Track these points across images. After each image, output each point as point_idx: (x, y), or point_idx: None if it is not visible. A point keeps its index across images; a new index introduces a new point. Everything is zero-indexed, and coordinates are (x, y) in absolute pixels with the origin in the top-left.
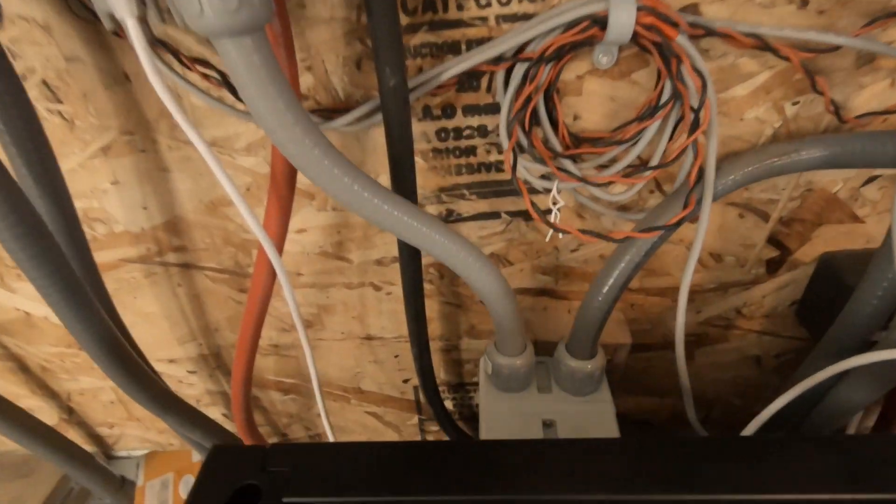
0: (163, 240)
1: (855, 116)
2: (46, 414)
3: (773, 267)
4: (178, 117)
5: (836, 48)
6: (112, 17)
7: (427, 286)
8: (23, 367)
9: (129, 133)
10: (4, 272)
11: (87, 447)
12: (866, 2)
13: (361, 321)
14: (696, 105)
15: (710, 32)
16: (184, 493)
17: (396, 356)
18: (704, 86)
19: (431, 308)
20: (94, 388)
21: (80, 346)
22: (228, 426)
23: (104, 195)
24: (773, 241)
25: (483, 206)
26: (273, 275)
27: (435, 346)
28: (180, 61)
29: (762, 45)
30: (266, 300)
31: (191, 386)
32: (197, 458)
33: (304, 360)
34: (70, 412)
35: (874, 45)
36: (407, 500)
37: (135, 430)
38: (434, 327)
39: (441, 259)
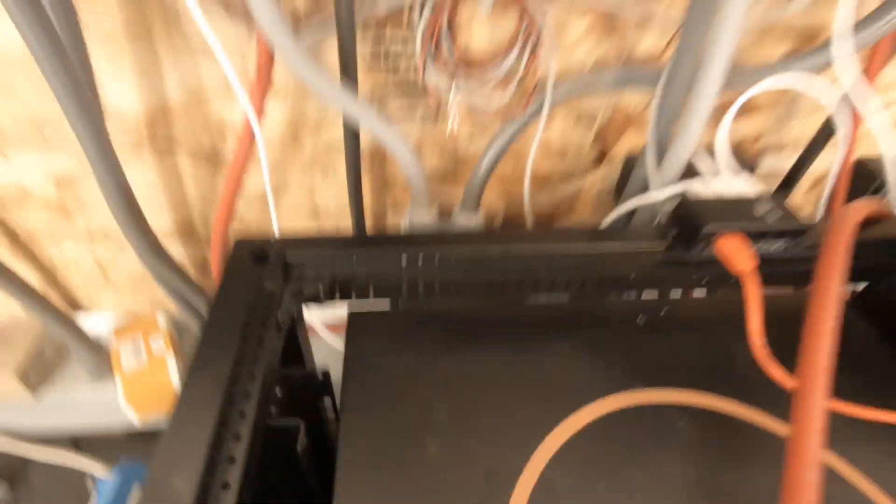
0: (151, 124)
1: (636, 55)
2: (32, 278)
3: (598, 161)
4: (198, 17)
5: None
6: None
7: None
8: (11, 234)
9: (128, 35)
10: (4, 144)
11: (67, 310)
12: None
13: (311, 194)
14: (541, 38)
15: None
16: (154, 348)
17: (337, 227)
18: (541, 24)
19: (366, 186)
20: (76, 255)
21: (104, 193)
22: None
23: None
24: (597, 141)
25: (402, 104)
26: (250, 149)
27: (368, 220)
28: None
29: (580, 8)
30: (243, 168)
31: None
32: (161, 322)
33: (264, 224)
34: (52, 278)
35: (640, 14)
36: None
37: (109, 295)
38: (368, 200)
39: (371, 130)
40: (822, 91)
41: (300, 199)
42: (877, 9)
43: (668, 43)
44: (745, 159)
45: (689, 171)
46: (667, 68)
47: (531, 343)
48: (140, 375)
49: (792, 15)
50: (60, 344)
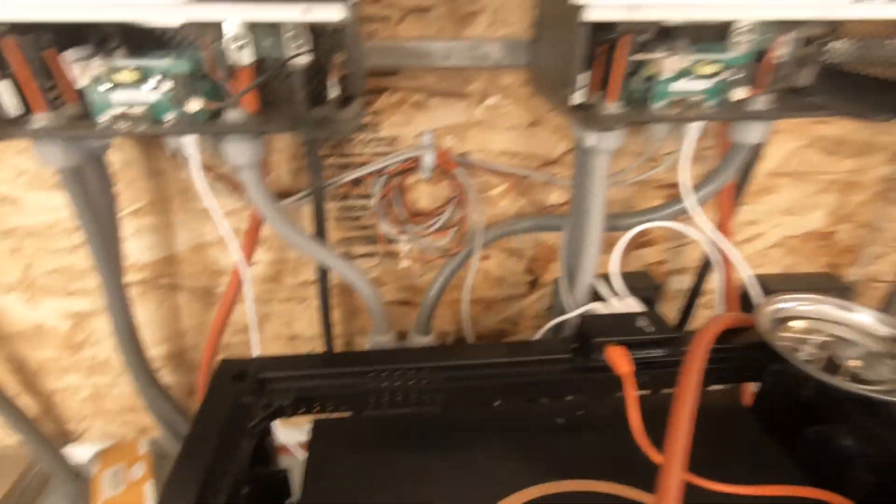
0: (158, 268)
1: (546, 206)
2: (30, 407)
3: (531, 286)
4: (209, 197)
5: (526, 177)
6: (176, 149)
7: (334, 300)
8: (20, 366)
9: (152, 202)
10: (35, 291)
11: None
12: (542, 155)
13: (289, 325)
14: (468, 198)
15: (471, 166)
16: (134, 475)
17: (311, 349)
18: (467, 188)
19: (336, 314)
20: (74, 385)
21: (114, 329)
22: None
23: (125, 241)
24: (528, 271)
25: (366, 249)
26: (239, 287)
27: (338, 342)
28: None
29: (499, 174)
30: (232, 303)
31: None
32: (143, 450)
33: (249, 351)
34: (49, 407)
35: (545, 177)
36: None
37: (99, 424)
38: (339, 327)
39: (338, 271)
40: (686, 230)
41: (280, 328)
42: (712, 172)
43: (568, 200)
44: (655, 281)
45: (595, 295)
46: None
47: (468, 442)
48: (116, 503)
49: (659, 173)
50: (44, 474)
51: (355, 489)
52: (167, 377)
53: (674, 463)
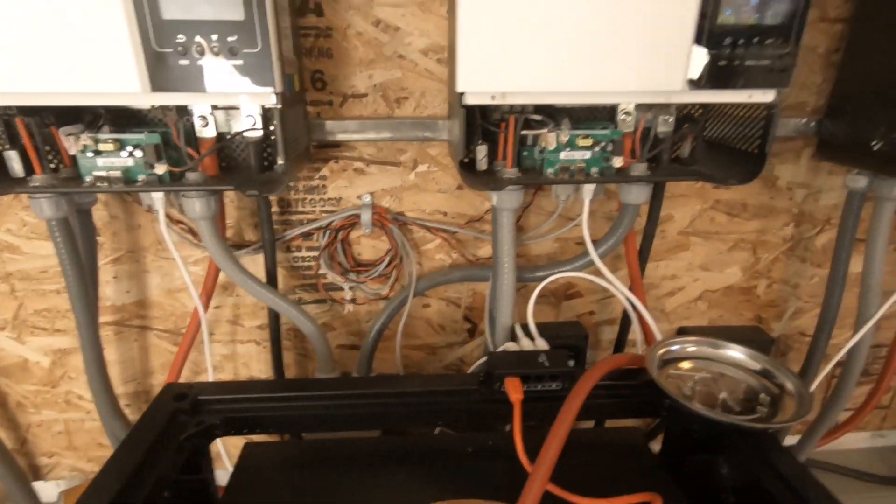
0: (132, 310)
1: (478, 258)
2: (7, 443)
3: (471, 333)
4: (171, 246)
5: (455, 233)
6: (150, 204)
7: (287, 342)
8: (4, 402)
9: (131, 251)
10: (23, 329)
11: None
12: (469, 214)
13: (247, 366)
14: (401, 251)
15: (404, 223)
16: None
17: None
18: (401, 242)
19: (290, 357)
20: (49, 419)
21: (86, 368)
22: None
23: (106, 285)
24: (466, 319)
25: (315, 296)
26: (198, 328)
27: None
28: (172, 222)
29: (432, 230)
30: (191, 344)
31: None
32: None
33: None
34: (24, 442)
35: (473, 233)
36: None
37: (68, 460)
38: (293, 369)
39: (287, 316)
40: (592, 278)
41: (240, 368)
42: (608, 231)
43: None
44: (585, 330)
45: (513, 337)
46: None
47: (385, 467)
48: None
49: (571, 230)
50: None
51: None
52: (134, 414)
53: (540, 472)
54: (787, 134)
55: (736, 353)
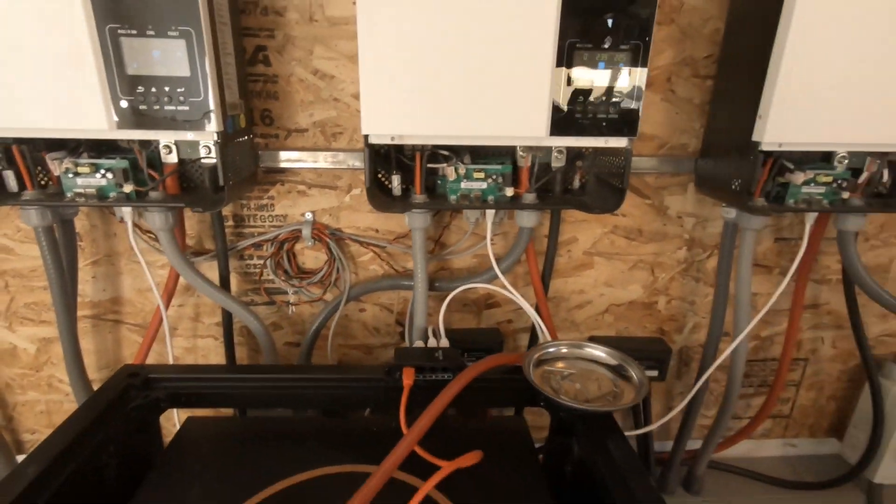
0: (108, 306)
1: (407, 270)
2: None
3: (402, 335)
4: (138, 252)
5: (384, 247)
6: (121, 217)
7: (241, 339)
8: None
9: (107, 255)
10: (14, 320)
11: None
12: (397, 231)
13: (206, 357)
14: (336, 262)
15: (340, 238)
16: None
17: None
18: (337, 254)
19: (243, 351)
20: (33, 400)
21: (64, 355)
22: None
23: (86, 283)
24: (398, 322)
25: (266, 299)
26: (160, 324)
27: None
28: (141, 232)
29: (364, 244)
30: (153, 338)
31: None
32: None
33: None
34: (10, 419)
35: (400, 248)
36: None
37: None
38: (244, 363)
39: (236, 314)
40: (494, 289)
41: (198, 360)
42: (509, 250)
43: None
44: (502, 336)
45: (426, 338)
46: None
47: (303, 443)
48: None
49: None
50: None
51: (193, 472)
52: None
53: (411, 436)
54: (673, 171)
55: (597, 351)
